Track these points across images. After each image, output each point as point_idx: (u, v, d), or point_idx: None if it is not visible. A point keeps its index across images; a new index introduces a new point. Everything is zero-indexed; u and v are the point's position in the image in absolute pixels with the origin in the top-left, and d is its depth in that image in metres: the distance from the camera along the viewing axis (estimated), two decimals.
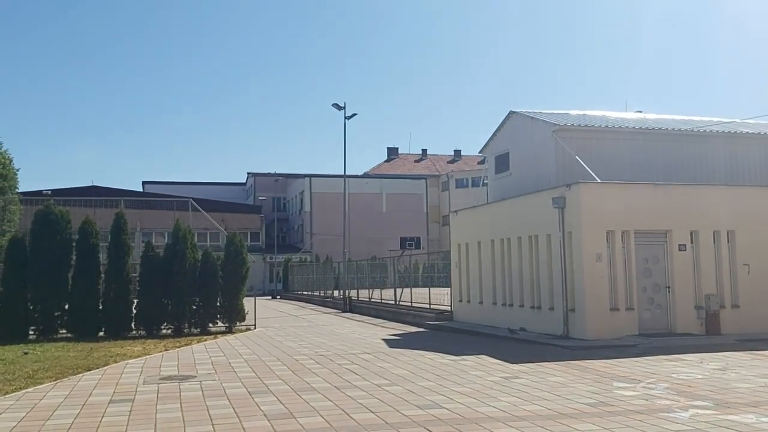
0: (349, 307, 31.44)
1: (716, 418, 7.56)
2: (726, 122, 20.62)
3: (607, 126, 19.43)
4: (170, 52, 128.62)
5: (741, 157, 19.75)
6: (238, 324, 20.35)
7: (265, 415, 8.13)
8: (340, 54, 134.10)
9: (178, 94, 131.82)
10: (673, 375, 10.75)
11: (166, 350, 15.29)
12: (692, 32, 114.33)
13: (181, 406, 8.76)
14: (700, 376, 10.57)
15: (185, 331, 19.29)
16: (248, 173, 78.24)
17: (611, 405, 8.47)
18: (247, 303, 20.84)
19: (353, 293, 32.83)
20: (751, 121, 22.10)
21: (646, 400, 8.77)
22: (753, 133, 20.23)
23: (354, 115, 34.92)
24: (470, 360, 12.99)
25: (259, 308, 25.40)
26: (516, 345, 15.74)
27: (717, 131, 19.89)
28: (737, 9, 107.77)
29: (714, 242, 16.67)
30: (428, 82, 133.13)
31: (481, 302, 20.74)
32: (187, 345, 16.38)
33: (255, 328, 20.81)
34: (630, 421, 7.54)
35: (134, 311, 19.07)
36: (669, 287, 16.25)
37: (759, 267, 16.76)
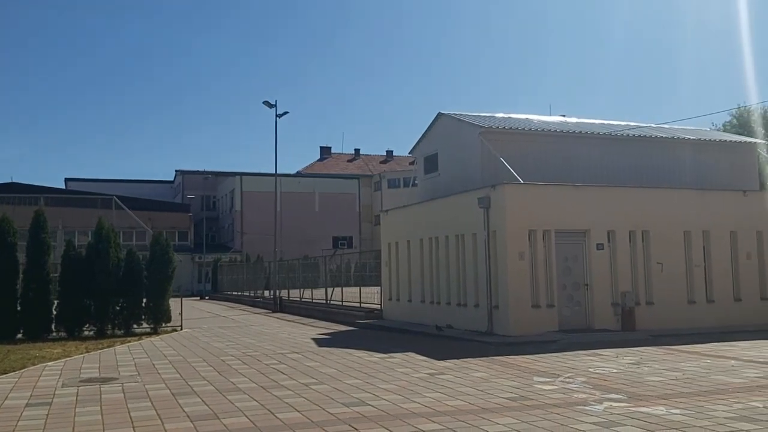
0: (279, 307, 31.26)
1: (629, 411, 7.95)
2: (641, 126, 21.58)
3: (530, 129, 20.02)
4: (92, 41, 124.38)
5: (654, 161, 20.70)
6: (163, 325, 19.96)
7: (188, 417, 8.06)
8: (271, 52, 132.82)
9: (102, 85, 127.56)
10: (590, 369, 11.21)
11: (88, 352, 14.87)
12: (603, 40, 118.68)
13: (101, 409, 8.58)
14: (615, 370, 11.06)
15: (108, 332, 18.79)
16: (176, 171, 76.48)
17: (531, 399, 8.79)
18: (174, 304, 20.45)
19: (284, 293, 32.66)
20: (665, 126, 23.19)
21: (564, 393, 9.13)
22: (665, 137, 21.23)
23: (285, 113, 34.73)
24: (398, 357, 13.19)
25: (187, 309, 24.96)
26: (443, 342, 16.06)
27: (632, 135, 20.79)
28: (640, 15, 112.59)
29: (630, 242, 17.43)
30: (361, 82, 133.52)
31: (410, 300, 21.03)
32: (109, 347, 15.97)
33: (182, 330, 20.45)
34: (548, 414, 7.84)
35: (55, 312, 18.45)
36: (587, 285, 16.90)
37: (671, 265, 17.62)
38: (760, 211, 18.73)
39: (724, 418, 7.44)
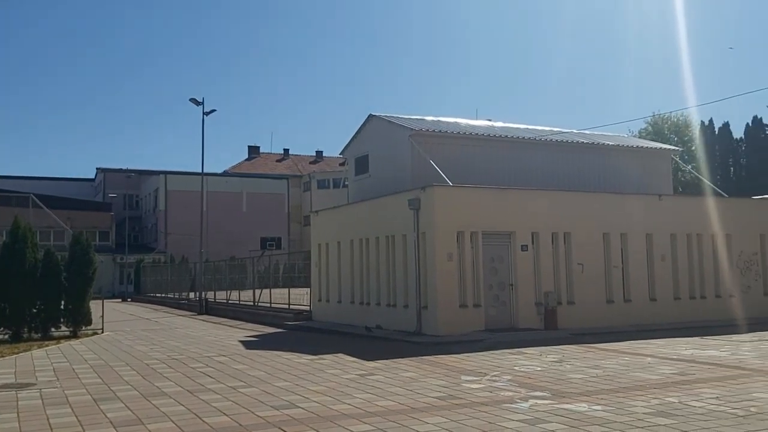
0: (205, 309, 30.66)
1: (553, 407, 8.20)
2: (564, 132, 22.32)
3: (459, 132, 20.38)
4: (8, 31, 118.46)
5: (576, 165, 21.44)
6: (84, 328, 19.22)
7: (111, 423, 7.81)
8: (198, 48, 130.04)
9: (18, 78, 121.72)
10: (515, 368, 11.51)
11: (2, 357, 14.19)
12: (529, 46, 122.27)
13: (18, 416, 8.20)
14: (539, 368, 11.39)
15: (24, 336, 17.97)
16: (98, 168, 73.73)
17: (459, 398, 8.94)
18: (95, 306, 19.73)
19: (210, 295, 32.03)
20: (586, 131, 24.05)
21: (491, 392, 9.33)
22: (586, 143, 22.04)
23: (213, 111, 34.10)
24: (327, 359, 13.16)
25: (109, 311, 24.13)
26: (372, 342, 16.14)
27: (557, 140, 21.47)
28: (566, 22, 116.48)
29: (552, 243, 17.98)
30: (290, 80, 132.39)
31: (339, 301, 21.02)
32: (26, 351, 15.28)
33: (103, 332, 19.75)
34: (476, 412, 8.00)
35: None
36: (512, 285, 17.34)
37: (592, 266, 18.28)
38: (674, 214, 19.66)
39: (643, 413, 7.78)
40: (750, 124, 60.17)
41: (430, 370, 11.35)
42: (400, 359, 12.74)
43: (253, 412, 8.25)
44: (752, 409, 7.85)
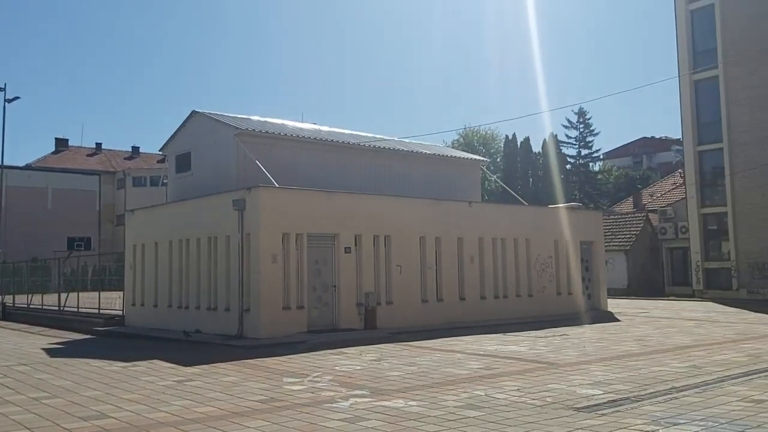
0: (3, 314, 27.91)
1: (372, 405, 8.52)
2: (386, 139, 23.21)
3: (286, 134, 20.42)
4: None
5: (396, 171, 22.37)
6: None
7: None
8: (1, 30, 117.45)
9: None
10: (336, 368, 11.78)
11: None
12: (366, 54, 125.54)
13: None
14: (359, 367, 11.76)
15: None
16: None
17: (281, 400, 8.99)
18: None
19: (9, 299, 29.20)
20: (406, 140, 25.18)
21: (313, 393, 9.48)
22: (406, 150, 23.09)
23: (16, 98, 31.14)
24: (142, 365, 12.58)
25: None
26: (191, 347, 15.66)
27: (378, 147, 22.25)
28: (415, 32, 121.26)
29: (374, 245, 18.59)
30: (105, 70, 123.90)
31: (156, 305, 20.12)
32: None
33: None
34: (298, 414, 8.09)
35: None
36: (335, 286, 17.68)
37: (409, 268, 19.14)
38: (482, 220, 21.17)
39: (454, 406, 8.34)
40: (547, 140, 66.35)
41: (251, 374, 11.27)
42: (220, 364, 12.50)
43: (58, 425, 7.70)
44: (548, 399, 8.71)
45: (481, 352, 13.58)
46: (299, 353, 13.75)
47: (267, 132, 19.94)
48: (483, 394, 9.12)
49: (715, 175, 32.24)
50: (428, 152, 24.01)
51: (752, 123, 30.21)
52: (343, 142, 21.60)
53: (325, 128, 24.12)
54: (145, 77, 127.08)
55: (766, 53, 29.40)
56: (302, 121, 24.81)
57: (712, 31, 31.77)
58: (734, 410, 7.81)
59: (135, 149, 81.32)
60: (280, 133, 20.25)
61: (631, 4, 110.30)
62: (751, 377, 10.10)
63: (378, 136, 23.46)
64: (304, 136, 20.87)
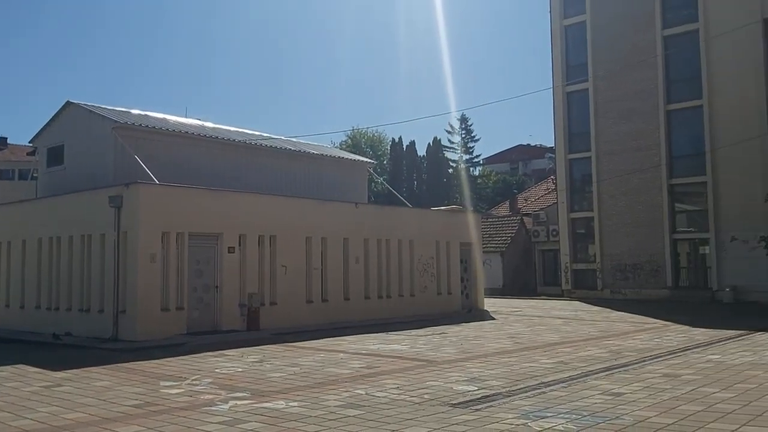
0: None
1: (252, 407, 8.46)
2: (273, 138, 23.03)
3: (169, 129, 19.80)
4: None
5: (284, 171, 22.26)
6: None
7: None
8: None
9: None
10: (216, 370, 11.57)
11: None
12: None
13: None
14: (240, 369, 11.61)
15: None
16: None
17: (157, 404, 8.73)
18: None
19: None
20: (293, 139, 25.09)
21: (191, 396, 9.27)
22: (294, 150, 23.02)
23: None
24: (6, 371, 11.79)
25: None
26: (61, 351, 14.82)
27: (265, 145, 22.05)
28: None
29: (258, 245, 18.40)
30: None
31: (22, 306, 18.92)
32: None
33: None
34: (174, 418, 7.90)
35: None
36: (218, 287, 17.34)
37: (294, 268, 19.10)
38: (367, 221, 21.48)
39: (335, 406, 8.45)
40: (431, 144, 68.24)
41: (126, 378, 10.85)
42: (92, 368, 11.94)
43: None
44: (426, 396, 9.02)
45: (364, 352, 13.79)
46: (178, 356, 13.38)
47: (147, 126, 19.24)
48: (364, 393, 9.29)
49: (584, 182, 34.38)
50: (316, 152, 24.06)
51: (616, 134, 32.49)
52: (229, 139, 21.22)
53: (210, 125, 23.57)
54: (11, 64, 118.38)
55: (628, 69, 31.70)
56: (186, 117, 24.10)
57: (583, 46, 33.87)
58: (596, 403, 8.42)
59: (2, 140, 75.50)
60: (161, 128, 19.60)
61: (514, 18, 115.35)
62: (612, 372, 10.91)
63: (265, 134, 23.22)
64: (187, 132, 20.32)
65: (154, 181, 16.92)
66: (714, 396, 8.76)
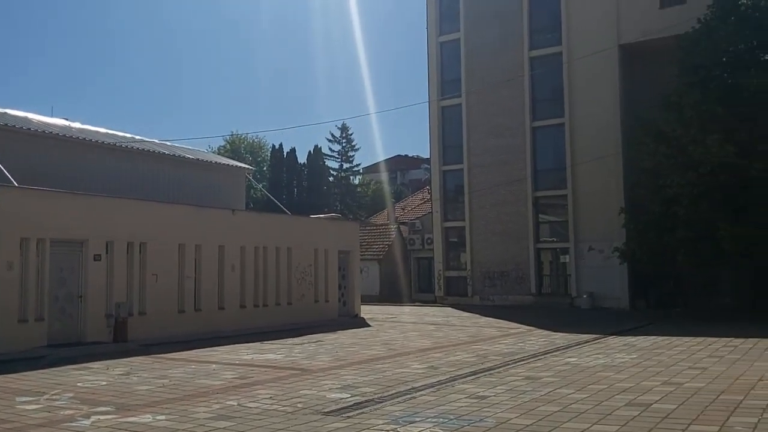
0: None
1: (117, 422, 8.15)
2: (146, 141, 22.22)
3: (30, 129, 18.61)
4: None
5: (157, 175, 21.54)
6: None
7: None
8: None
9: None
10: (78, 384, 11.02)
11: None
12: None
13: None
14: (104, 383, 11.13)
15: None
16: None
17: (12, 422, 8.23)
18: None
19: None
20: (168, 142, 24.34)
21: (50, 412, 8.81)
22: (168, 154, 22.33)
23: None
24: None
25: None
26: None
27: (137, 148, 21.24)
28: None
29: (127, 253, 17.64)
30: None
31: None
32: None
33: None
34: None
35: None
36: (81, 296, 16.46)
37: (166, 276, 18.47)
38: (245, 228, 21.19)
39: (205, 418, 8.32)
40: (312, 152, 68.25)
41: None
42: None
43: None
44: (299, 405, 9.08)
45: (237, 362, 13.62)
46: (37, 369, 12.59)
47: (6, 125, 18.00)
48: (236, 404, 9.21)
49: (457, 193, 35.68)
50: (192, 157, 23.47)
51: (487, 148, 34.04)
52: (97, 141, 20.26)
53: (77, 125, 22.37)
54: None
55: (498, 87, 33.33)
56: (52, 117, 22.69)
57: (458, 62, 35.20)
58: (462, 406, 8.84)
59: None
60: (22, 128, 18.42)
61: (397, 30, 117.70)
62: (478, 376, 11.46)
63: (137, 136, 22.35)
64: (51, 132, 19.20)
65: (13, 183, 15.84)
66: (570, 397, 9.44)
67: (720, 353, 13.99)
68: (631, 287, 29.76)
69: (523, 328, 20.92)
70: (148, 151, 21.51)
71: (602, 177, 30.39)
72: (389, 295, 38.05)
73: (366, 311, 26.75)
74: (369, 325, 22.40)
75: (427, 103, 35.72)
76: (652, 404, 8.81)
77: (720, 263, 24.57)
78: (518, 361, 13.24)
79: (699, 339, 16.53)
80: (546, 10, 33.20)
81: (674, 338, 16.98)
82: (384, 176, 69.42)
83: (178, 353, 15.07)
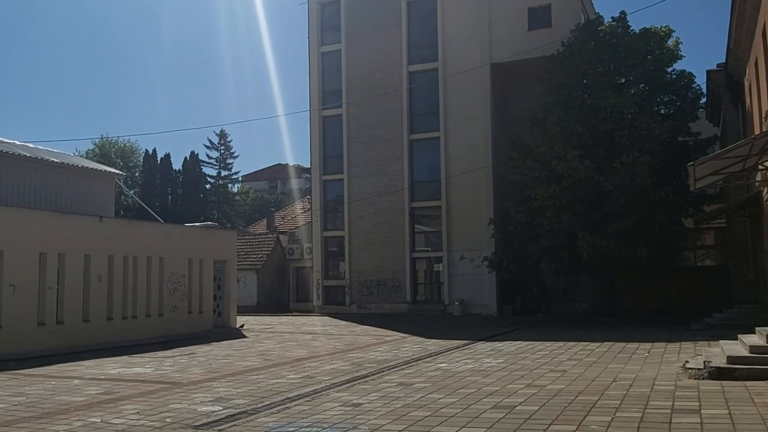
0: None
1: None
2: (4, 142, 20.73)
3: None
4: None
5: (15, 179, 20.13)
6: None
7: None
8: None
9: None
10: None
11: None
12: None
13: None
14: None
15: None
16: None
17: None
18: None
19: None
20: (30, 145, 22.81)
21: None
22: (29, 156, 20.95)
23: None
24: None
25: None
26: None
27: None
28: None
29: None
30: None
31: None
32: None
33: None
34: None
35: None
36: None
37: (25, 287, 17.27)
38: (114, 236, 20.22)
39: None
40: (188, 158, 66.13)
41: None
42: None
43: None
44: (168, 419, 8.79)
45: (102, 377, 12.98)
46: None
47: None
48: (99, 420, 8.79)
49: (337, 203, 35.95)
50: (56, 160, 22.13)
51: (366, 159, 34.57)
52: None
53: None
54: None
55: (378, 99, 33.99)
56: None
57: (339, 73, 35.56)
58: (336, 414, 8.93)
59: None
60: None
61: (280, 38, 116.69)
62: (353, 384, 11.59)
63: None
64: None
65: None
66: (440, 401, 9.77)
67: (578, 356, 14.95)
68: (499, 294, 31.23)
69: (398, 335, 21.36)
70: (8, 153, 20.06)
71: (474, 189, 31.70)
72: (267, 305, 37.61)
73: (243, 322, 26.30)
74: (245, 336, 22.03)
75: (308, 113, 35.74)
76: (516, 406, 9.29)
77: (579, 271, 26.37)
78: (392, 368, 13.52)
79: (560, 343, 17.58)
80: (423, 27, 34.32)
81: (537, 343, 17.96)
82: (263, 185, 68.61)
83: (36, 369, 14.15)
